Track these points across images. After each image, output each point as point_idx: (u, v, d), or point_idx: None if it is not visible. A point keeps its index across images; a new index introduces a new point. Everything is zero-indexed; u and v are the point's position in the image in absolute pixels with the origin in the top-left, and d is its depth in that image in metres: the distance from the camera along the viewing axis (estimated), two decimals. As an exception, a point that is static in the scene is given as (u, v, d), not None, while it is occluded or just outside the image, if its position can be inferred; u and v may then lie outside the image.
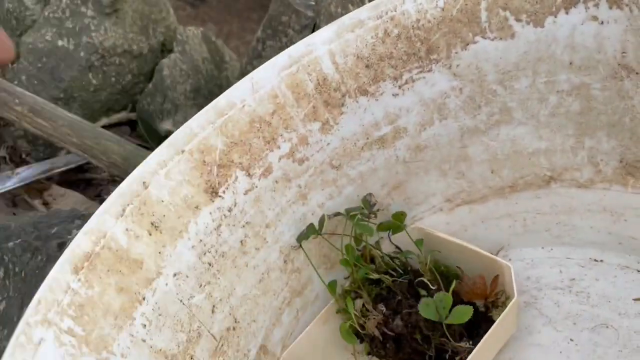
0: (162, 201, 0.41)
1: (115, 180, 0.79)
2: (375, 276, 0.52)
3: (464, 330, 0.49)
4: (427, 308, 0.45)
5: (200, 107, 0.89)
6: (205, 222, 0.44)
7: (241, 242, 0.47)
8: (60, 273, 0.34)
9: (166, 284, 0.41)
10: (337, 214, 0.52)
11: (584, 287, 0.52)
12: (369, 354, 0.52)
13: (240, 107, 0.44)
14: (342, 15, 0.80)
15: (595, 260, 0.54)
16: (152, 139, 0.83)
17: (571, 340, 0.49)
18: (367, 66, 0.47)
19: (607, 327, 0.49)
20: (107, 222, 0.38)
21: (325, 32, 0.46)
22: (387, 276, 0.52)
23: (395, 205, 0.55)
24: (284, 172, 0.48)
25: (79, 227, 0.57)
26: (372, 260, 0.54)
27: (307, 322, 0.54)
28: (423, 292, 0.52)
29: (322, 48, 0.45)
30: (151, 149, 0.83)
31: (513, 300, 0.47)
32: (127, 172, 0.73)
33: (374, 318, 0.49)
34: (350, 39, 0.46)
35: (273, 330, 0.51)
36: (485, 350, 0.46)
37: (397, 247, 0.57)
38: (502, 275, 0.50)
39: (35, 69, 0.83)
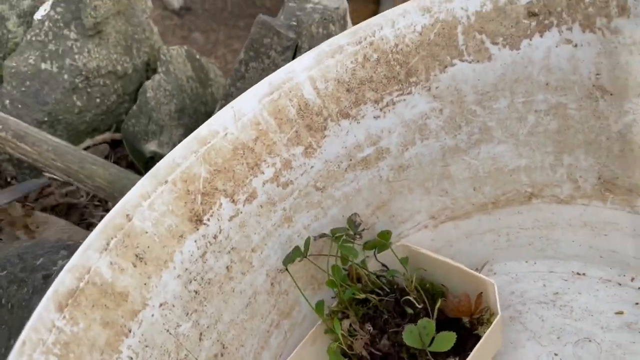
0: (146, 232, 0.41)
1: (97, 205, 0.79)
2: (361, 296, 0.52)
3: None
4: (410, 335, 0.46)
5: (185, 126, 0.90)
6: (190, 251, 0.44)
7: (227, 267, 0.47)
8: (45, 311, 0.34)
9: (152, 315, 0.41)
10: (323, 235, 0.52)
11: (568, 301, 0.53)
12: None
13: (223, 135, 0.44)
14: (323, 35, 0.81)
15: (578, 274, 0.55)
16: (137, 159, 0.84)
17: (555, 355, 0.50)
18: (347, 90, 0.47)
19: (590, 341, 0.49)
20: (91, 257, 0.38)
21: (305, 59, 0.46)
22: (373, 295, 0.53)
23: (381, 223, 0.56)
24: (268, 196, 0.48)
25: (64, 257, 0.57)
26: (359, 280, 0.54)
27: (296, 344, 0.54)
28: (409, 310, 0.52)
29: (302, 74, 0.46)
30: (135, 167, 0.84)
31: (497, 318, 0.48)
32: (112, 195, 0.73)
33: (361, 338, 0.50)
34: (330, 65, 0.46)
35: (262, 353, 0.51)
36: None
37: (383, 265, 0.57)
38: (486, 292, 0.51)
39: (19, 93, 0.82)
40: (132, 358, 0.38)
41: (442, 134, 0.51)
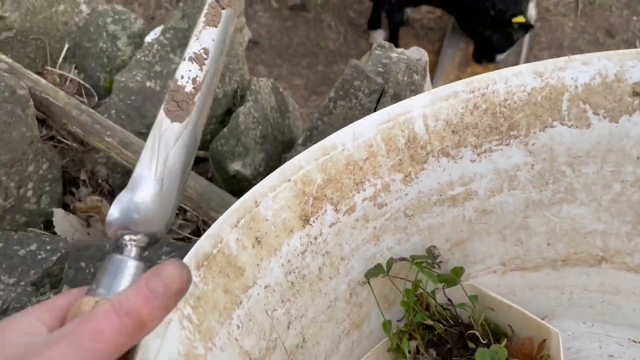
0: (267, 220, 0.46)
1: (177, 213, 0.85)
2: (429, 322, 0.56)
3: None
4: (482, 357, 0.49)
5: (266, 151, 0.96)
6: (295, 245, 0.49)
7: (319, 269, 0.52)
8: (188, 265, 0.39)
9: (258, 294, 0.46)
10: (403, 259, 0.57)
11: (623, 365, 0.56)
12: (413, 393, 0.56)
13: (341, 150, 0.50)
14: (407, 83, 0.87)
15: (634, 342, 0.57)
16: (220, 176, 0.90)
17: (607, 412, 0.52)
18: (453, 132, 0.53)
19: (642, 405, 0.52)
20: (225, 230, 0.43)
21: (422, 97, 0.52)
22: (440, 324, 0.56)
23: (455, 260, 0.60)
24: (364, 212, 0.53)
25: (167, 253, 0.62)
26: (427, 308, 0.58)
27: (359, 355, 0.58)
28: (472, 345, 0.56)
29: (417, 110, 0.52)
30: (215, 182, 0.90)
31: (561, 365, 0.51)
32: (199, 205, 0.79)
33: (425, 360, 0.54)
34: (443, 107, 0.52)
35: (331, 356, 0.55)
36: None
37: (449, 299, 0.61)
38: (549, 341, 0.54)
39: (124, 105, 0.91)
40: (238, 326, 0.43)
41: (529, 187, 0.56)
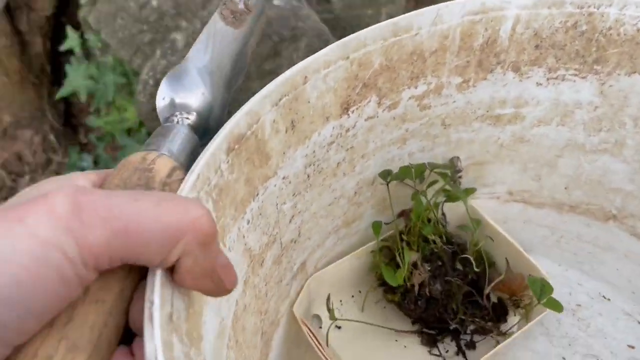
0: (309, 102, 0.37)
1: None
2: (432, 236, 0.52)
3: (494, 316, 0.52)
4: (533, 284, 0.47)
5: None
6: (325, 135, 0.40)
7: (338, 163, 0.44)
8: (218, 150, 0.30)
9: (275, 185, 0.38)
10: (422, 165, 0.50)
11: (587, 317, 0.57)
12: (389, 302, 0.54)
13: (414, 35, 0.40)
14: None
15: (604, 297, 0.58)
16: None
17: (563, 358, 0.53)
18: (537, 46, 0.44)
19: (597, 359, 0.54)
20: (265, 107, 0.33)
21: (522, -4, 0.42)
22: (439, 240, 0.53)
23: (467, 179, 0.55)
24: (405, 111, 0.45)
25: None
26: (429, 220, 0.54)
27: (340, 252, 0.54)
28: (460, 268, 0.53)
29: (514, 10, 0.42)
30: None
31: (546, 312, 0.50)
32: None
33: (420, 274, 0.50)
34: (541, 14, 0.42)
35: (317, 250, 0.50)
36: (502, 346, 0.49)
37: (444, 215, 0.57)
38: (536, 284, 0.52)
39: None
40: (248, 221, 0.35)
41: (579, 128, 0.50)
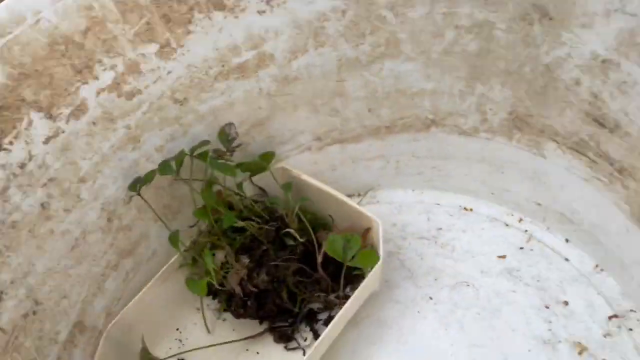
0: None
1: None
2: (240, 224, 0.43)
3: (332, 283, 0.44)
4: (333, 245, 0.39)
5: None
6: (-17, 189, 0.30)
7: (42, 205, 0.34)
8: None
9: None
10: (182, 154, 0.41)
11: (450, 239, 0.49)
12: (224, 311, 0.45)
13: (33, 23, 0.29)
14: None
15: (465, 209, 0.51)
16: None
17: (430, 298, 0.46)
18: (223, -29, 0.34)
19: (467, 285, 0.46)
20: None
21: None
22: (252, 223, 0.44)
23: (256, 144, 0.46)
24: (105, 110, 0.35)
25: None
26: (231, 207, 0.45)
27: (141, 284, 0.45)
28: (290, 242, 0.45)
29: (158, -61, 0.31)
30: None
31: (379, 262, 0.42)
32: None
33: (236, 273, 0.41)
34: None
35: (93, 301, 0.41)
36: (350, 309, 0.42)
37: (261, 189, 0.48)
38: (371, 230, 0.44)
39: None
40: None
41: (341, 42, 0.40)
